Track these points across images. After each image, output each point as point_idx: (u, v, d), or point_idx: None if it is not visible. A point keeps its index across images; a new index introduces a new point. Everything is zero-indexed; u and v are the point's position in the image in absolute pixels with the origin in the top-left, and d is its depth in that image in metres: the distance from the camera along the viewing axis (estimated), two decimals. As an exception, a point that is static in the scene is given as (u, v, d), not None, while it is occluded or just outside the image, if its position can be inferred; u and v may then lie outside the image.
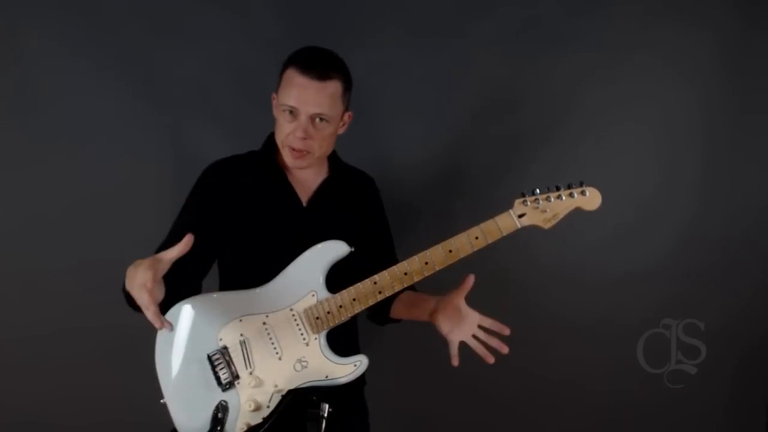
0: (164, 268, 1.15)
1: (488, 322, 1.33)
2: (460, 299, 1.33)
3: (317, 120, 1.36)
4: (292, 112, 1.35)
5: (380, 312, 1.55)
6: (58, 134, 1.88)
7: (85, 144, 1.89)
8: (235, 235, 1.42)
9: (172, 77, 1.90)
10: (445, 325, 1.34)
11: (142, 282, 1.11)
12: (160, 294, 1.17)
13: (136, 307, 1.18)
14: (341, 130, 1.47)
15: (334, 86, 1.36)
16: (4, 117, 1.86)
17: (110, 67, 1.86)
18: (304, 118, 1.34)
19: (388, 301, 1.51)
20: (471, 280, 1.32)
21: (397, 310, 1.53)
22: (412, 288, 1.52)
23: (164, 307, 1.28)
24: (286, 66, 1.38)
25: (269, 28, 1.91)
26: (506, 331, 1.33)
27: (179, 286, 1.30)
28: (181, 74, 1.90)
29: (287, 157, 1.41)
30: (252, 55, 1.91)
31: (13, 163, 1.88)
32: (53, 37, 1.83)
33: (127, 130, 1.90)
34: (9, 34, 1.82)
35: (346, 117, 1.46)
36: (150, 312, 1.12)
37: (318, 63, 1.35)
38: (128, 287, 1.19)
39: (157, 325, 1.14)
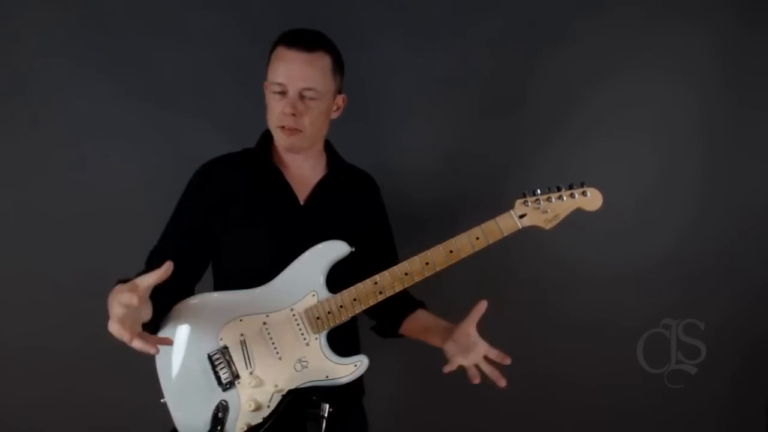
0: (143, 295, 1.07)
1: (494, 354, 1.30)
2: (471, 327, 1.30)
3: (307, 96, 1.33)
4: (282, 92, 1.33)
5: (388, 327, 1.53)
6: (57, 135, 1.88)
7: (84, 144, 1.89)
8: (231, 236, 1.39)
9: (171, 77, 1.90)
10: (452, 351, 1.33)
11: (120, 316, 1.04)
12: (147, 314, 1.16)
13: None
14: (335, 114, 1.44)
15: (322, 60, 1.34)
16: (3, 118, 1.86)
17: (109, 67, 1.86)
18: (293, 94, 1.32)
19: (399, 318, 1.50)
20: (483, 306, 1.29)
21: (408, 329, 1.50)
22: (422, 305, 1.52)
23: (157, 315, 1.25)
24: (273, 46, 1.37)
25: (268, 29, 1.90)
26: (507, 361, 1.30)
27: (173, 291, 1.29)
28: (181, 74, 1.90)
29: (280, 139, 1.38)
30: (251, 54, 1.90)
31: (11, 164, 1.88)
32: (51, 36, 1.83)
33: (126, 131, 1.90)
34: (9, 35, 1.82)
35: (339, 100, 1.43)
36: (136, 344, 1.05)
37: (304, 37, 1.34)
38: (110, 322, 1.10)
39: (151, 351, 1.07)
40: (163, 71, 1.89)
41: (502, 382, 1.31)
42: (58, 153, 1.89)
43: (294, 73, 1.31)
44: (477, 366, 1.31)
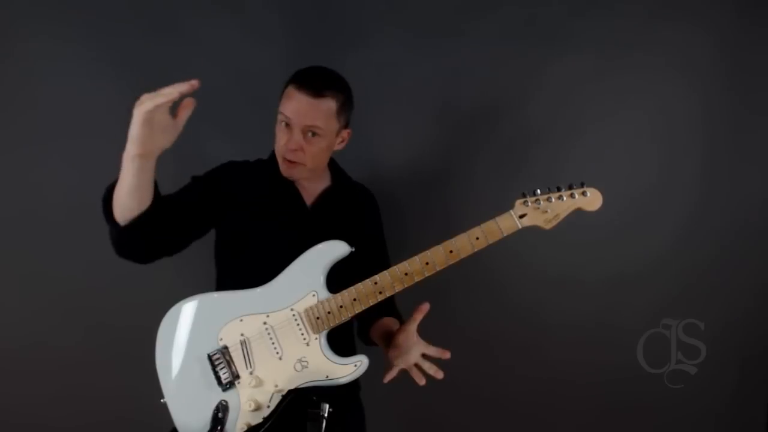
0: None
1: (432, 351, 1.33)
2: (413, 326, 1.33)
3: (309, 133, 1.41)
4: (288, 124, 1.42)
5: (361, 332, 1.58)
6: (57, 136, 1.88)
7: (85, 145, 1.89)
8: (241, 233, 1.45)
9: (172, 78, 1.89)
10: (393, 356, 1.36)
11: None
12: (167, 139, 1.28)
13: (111, 219, 1.29)
14: (339, 146, 1.52)
15: (327, 104, 1.41)
16: (3, 117, 1.86)
17: (111, 68, 1.86)
18: (297, 130, 1.40)
19: (368, 324, 1.52)
20: (425, 308, 1.33)
21: (374, 336, 1.51)
22: (397, 315, 1.54)
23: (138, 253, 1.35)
24: (287, 83, 1.44)
25: (269, 29, 1.91)
26: (446, 355, 1.33)
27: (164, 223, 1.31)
28: (181, 75, 1.89)
29: (282, 167, 1.46)
30: (252, 55, 1.90)
31: (12, 164, 1.88)
32: (53, 36, 1.83)
33: (126, 133, 1.90)
34: (8, 34, 1.82)
35: (344, 134, 1.51)
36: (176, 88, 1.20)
37: (314, 81, 1.40)
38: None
39: (185, 87, 1.20)
40: (165, 73, 1.88)
41: (440, 375, 1.33)
42: (57, 153, 1.89)
43: (300, 112, 1.40)
44: (418, 366, 1.34)
